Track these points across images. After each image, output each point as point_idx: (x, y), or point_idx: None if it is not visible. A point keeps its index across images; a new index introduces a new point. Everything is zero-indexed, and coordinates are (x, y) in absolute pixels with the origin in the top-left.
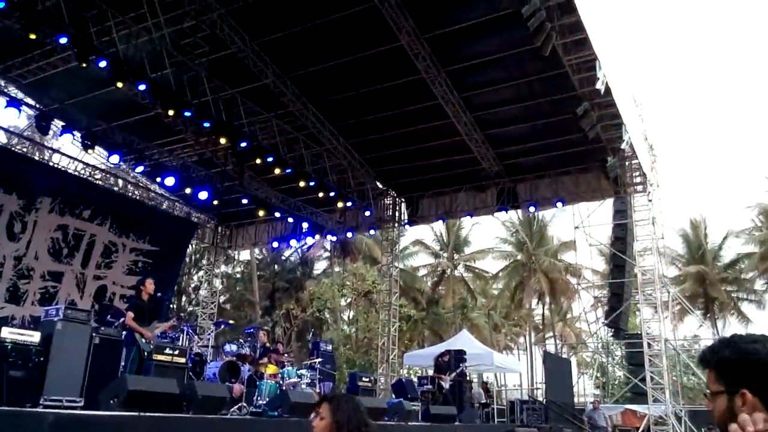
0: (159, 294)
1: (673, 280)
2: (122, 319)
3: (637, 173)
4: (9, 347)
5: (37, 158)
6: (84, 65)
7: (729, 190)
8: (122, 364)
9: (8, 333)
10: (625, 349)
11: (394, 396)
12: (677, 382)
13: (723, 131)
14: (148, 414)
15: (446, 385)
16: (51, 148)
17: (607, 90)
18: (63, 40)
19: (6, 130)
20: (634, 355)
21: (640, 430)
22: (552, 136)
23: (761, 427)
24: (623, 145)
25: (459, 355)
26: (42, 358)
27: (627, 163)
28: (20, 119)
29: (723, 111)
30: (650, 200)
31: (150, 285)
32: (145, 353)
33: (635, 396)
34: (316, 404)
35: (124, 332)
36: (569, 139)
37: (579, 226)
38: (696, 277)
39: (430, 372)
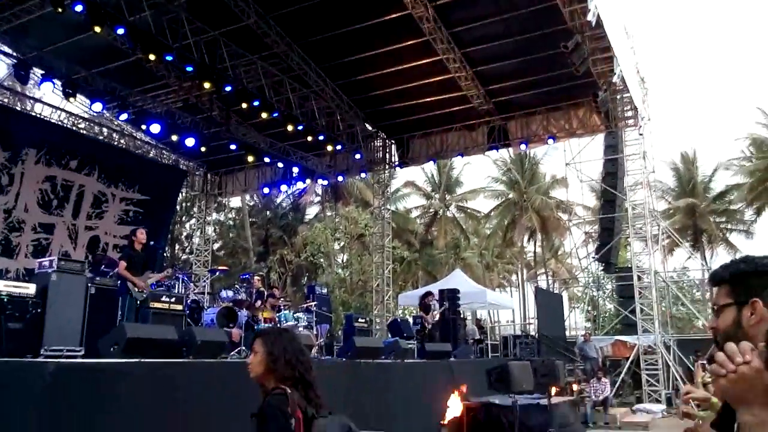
0: (152, 243)
1: (663, 214)
2: (116, 269)
3: (629, 107)
4: (5, 300)
5: (19, 108)
6: (59, 10)
7: (720, 121)
8: (119, 313)
9: (3, 286)
10: (615, 282)
11: (390, 335)
12: (666, 313)
13: (714, 61)
14: (148, 360)
15: (429, 324)
16: (33, 98)
17: (598, 22)
18: None
19: None
20: (624, 288)
21: (630, 359)
22: (542, 71)
23: (748, 358)
24: (615, 79)
25: (452, 294)
26: (39, 310)
27: (618, 97)
28: None
29: (714, 41)
30: (641, 134)
31: (141, 235)
32: (138, 302)
33: (625, 327)
34: (251, 342)
35: (118, 282)
36: (560, 74)
37: (570, 163)
38: (686, 210)
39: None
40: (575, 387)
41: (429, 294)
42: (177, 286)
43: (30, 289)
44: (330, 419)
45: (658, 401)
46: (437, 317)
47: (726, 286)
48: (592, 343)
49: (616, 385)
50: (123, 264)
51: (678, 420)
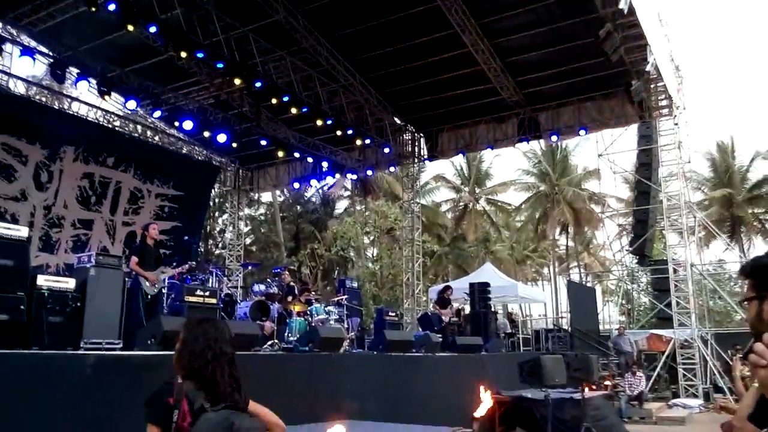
0: (186, 238)
1: (698, 205)
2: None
3: (663, 96)
4: (46, 294)
5: (56, 107)
6: (93, 9)
7: (757, 109)
8: (135, 305)
9: (44, 281)
10: (650, 275)
11: (420, 329)
12: (703, 306)
13: (752, 46)
14: None
15: (446, 319)
16: (69, 96)
17: (631, 9)
18: None
19: (24, 80)
20: (660, 281)
21: (666, 353)
22: (573, 61)
23: None
24: (648, 68)
25: (482, 288)
26: (78, 304)
27: (652, 86)
28: (36, 68)
29: (751, 25)
30: (676, 124)
31: (153, 230)
32: (149, 296)
33: (661, 321)
34: None
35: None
36: (591, 63)
37: (603, 154)
38: (722, 200)
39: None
40: (609, 381)
41: (447, 288)
42: (210, 280)
43: (70, 283)
44: (216, 414)
45: (695, 396)
46: (454, 312)
47: (750, 279)
48: (626, 336)
49: (652, 380)
50: (134, 259)
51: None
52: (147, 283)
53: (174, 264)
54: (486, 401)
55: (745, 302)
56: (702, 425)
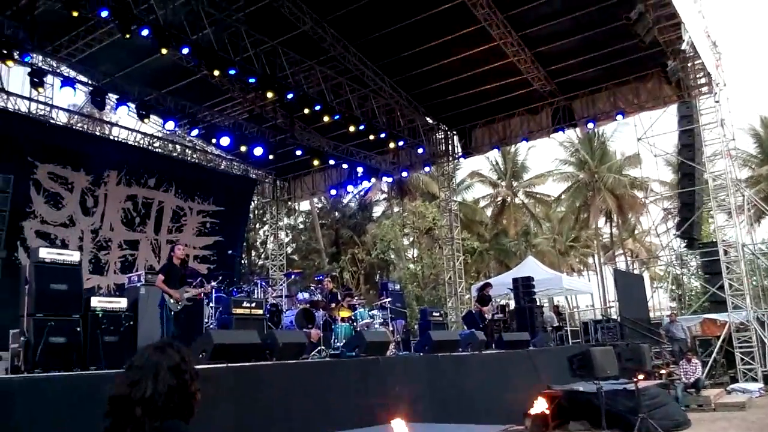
0: (230, 252)
1: (746, 183)
2: (200, 278)
3: (701, 74)
4: (100, 315)
5: (98, 134)
6: (128, 36)
7: None
8: (162, 321)
9: (98, 302)
10: (700, 258)
11: (465, 328)
12: (758, 287)
13: None
14: (235, 364)
15: (488, 316)
16: (110, 122)
17: None
18: (104, 14)
19: (66, 110)
20: (710, 263)
21: (721, 337)
22: (605, 46)
23: None
24: (684, 46)
25: (526, 282)
26: (132, 322)
27: (689, 64)
28: (76, 97)
29: None
30: (717, 101)
31: (179, 251)
32: (172, 312)
33: (714, 305)
34: None
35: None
36: (624, 46)
37: (642, 138)
38: None
39: (501, 302)
40: (664, 370)
41: (487, 285)
42: (256, 291)
43: (122, 303)
44: None
45: (754, 380)
46: (497, 309)
47: None
48: (678, 323)
49: (708, 366)
50: (161, 277)
51: None
52: (171, 300)
53: (198, 280)
54: (538, 397)
55: None
56: (764, 410)
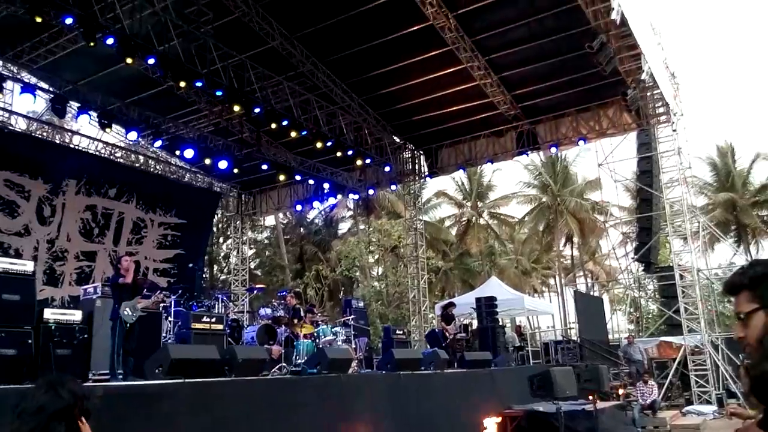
0: (191, 265)
1: (702, 209)
2: (159, 291)
3: (660, 103)
4: (53, 327)
5: (57, 142)
6: (92, 44)
7: (757, 111)
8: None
9: (51, 314)
10: (657, 282)
11: (428, 346)
12: (712, 311)
13: (748, 49)
14: (192, 380)
15: (450, 335)
16: (70, 131)
17: (623, 20)
18: (69, 21)
19: (25, 117)
20: (667, 287)
21: (677, 360)
22: (568, 73)
23: None
24: (643, 76)
25: (489, 302)
26: (86, 335)
27: (648, 94)
28: (37, 104)
29: (747, 27)
30: (674, 130)
31: (126, 262)
32: (127, 325)
33: (670, 328)
34: None
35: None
36: (587, 74)
37: (603, 163)
38: (726, 204)
39: (464, 321)
40: (621, 391)
41: (450, 304)
42: (216, 306)
43: (76, 315)
44: None
45: (708, 402)
46: (459, 328)
47: (747, 291)
48: (636, 345)
49: (664, 388)
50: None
51: (729, 421)
52: (125, 312)
53: (158, 293)
54: (497, 417)
55: (743, 316)
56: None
